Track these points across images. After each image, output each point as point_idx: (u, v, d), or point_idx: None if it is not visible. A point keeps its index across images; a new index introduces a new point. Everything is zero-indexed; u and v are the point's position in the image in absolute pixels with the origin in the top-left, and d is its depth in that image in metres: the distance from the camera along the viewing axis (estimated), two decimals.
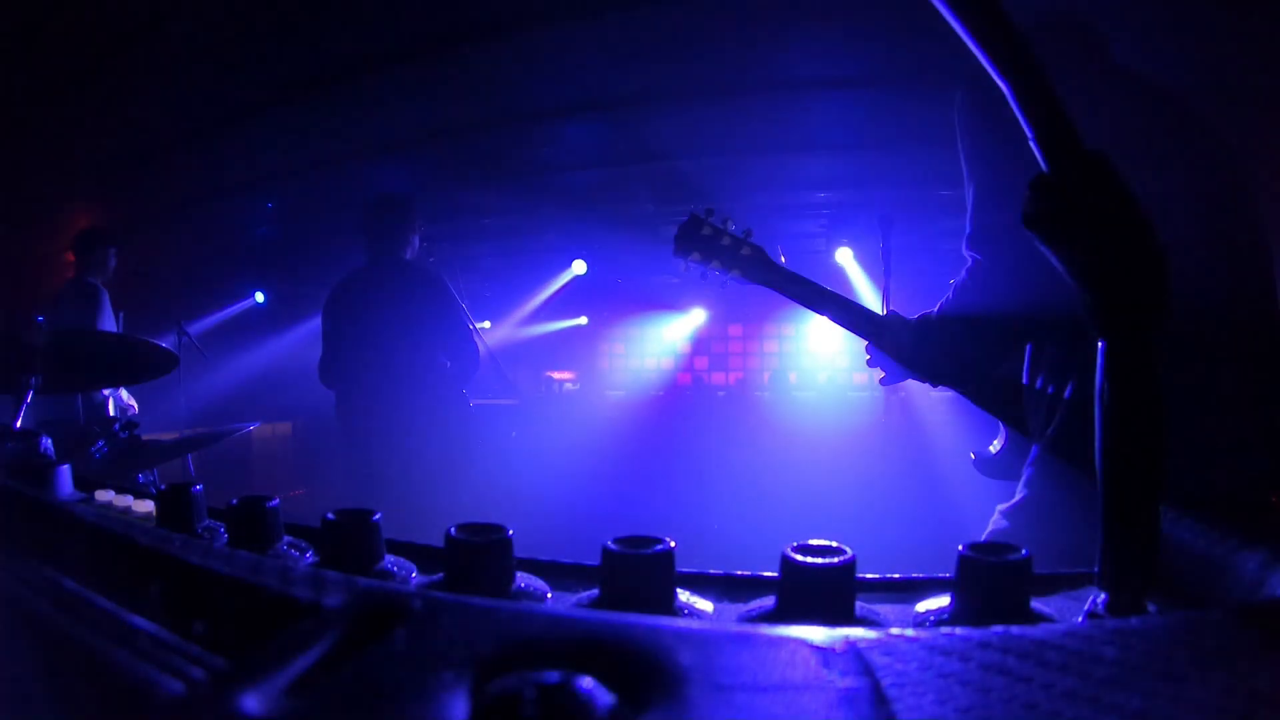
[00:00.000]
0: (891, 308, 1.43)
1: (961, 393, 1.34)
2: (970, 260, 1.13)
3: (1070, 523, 1.03)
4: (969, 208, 1.11)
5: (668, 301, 7.24)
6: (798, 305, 1.40)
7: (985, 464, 1.40)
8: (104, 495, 0.59)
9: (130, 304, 3.63)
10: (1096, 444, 0.37)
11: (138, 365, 2.52)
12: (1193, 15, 2.50)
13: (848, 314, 1.37)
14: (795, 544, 0.35)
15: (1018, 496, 1.16)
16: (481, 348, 3.12)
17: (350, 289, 2.81)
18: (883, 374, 1.41)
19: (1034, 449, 1.16)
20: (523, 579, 0.41)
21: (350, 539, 0.43)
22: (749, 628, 0.31)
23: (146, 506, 0.57)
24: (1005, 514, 1.18)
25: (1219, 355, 0.99)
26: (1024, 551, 0.36)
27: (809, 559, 0.34)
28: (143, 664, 0.23)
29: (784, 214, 5.00)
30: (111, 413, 2.95)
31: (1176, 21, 2.43)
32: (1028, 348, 1.18)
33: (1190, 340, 0.89)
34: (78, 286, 3.43)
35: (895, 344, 1.32)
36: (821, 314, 1.38)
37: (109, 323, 3.39)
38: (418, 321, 2.67)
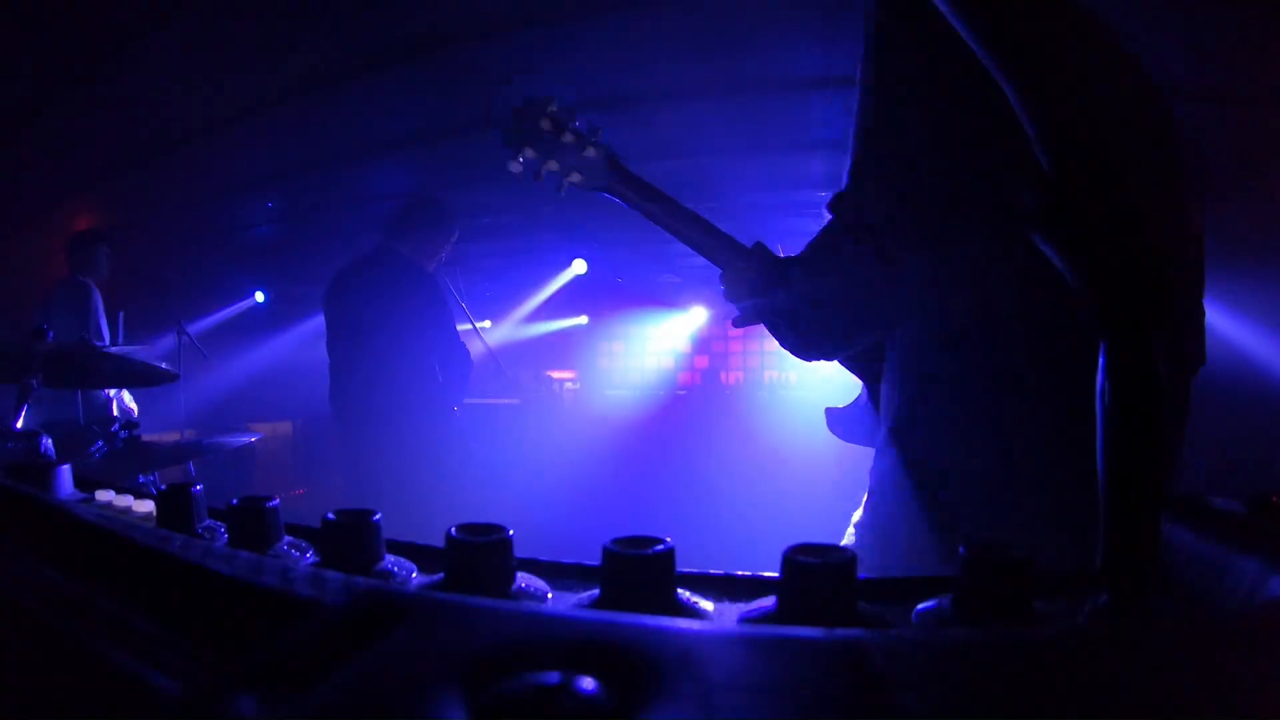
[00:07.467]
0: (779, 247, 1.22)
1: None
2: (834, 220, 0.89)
3: (911, 532, 0.90)
4: (856, 138, 0.87)
5: (668, 301, 7.24)
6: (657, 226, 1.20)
7: (833, 417, 1.22)
8: (104, 495, 0.59)
9: (130, 304, 3.63)
10: (1098, 444, 0.37)
11: (137, 377, 2.57)
12: (1191, 15, 2.49)
13: (708, 238, 1.17)
14: (796, 544, 0.35)
15: (862, 505, 1.03)
16: (477, 347, 3.10)
17: (340, 280, 2.83)
18: (737, 314, 1.17)
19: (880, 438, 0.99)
20: (523, 579, 0.41)
21: (350, 539, 0.43)
22: (750, 628, 0.31)
23: (146, 506, 0.57)
24: (856, 525, 1.04)
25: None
26: (1025, 551, 0.36)
27: (810, 559, 0.34)
28: (143, 664, 0.23)
29: (784, 214, 5.00)
30: (115, 414, 2.96)
31: (1166, 19, 2.42)
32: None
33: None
34: (68, 285, 3.44)
35: (748, 277, 1.13)
36: (677, 234, 1.19)
37: (100, 320, 3.40)
38: (398, 315, 2.66)
